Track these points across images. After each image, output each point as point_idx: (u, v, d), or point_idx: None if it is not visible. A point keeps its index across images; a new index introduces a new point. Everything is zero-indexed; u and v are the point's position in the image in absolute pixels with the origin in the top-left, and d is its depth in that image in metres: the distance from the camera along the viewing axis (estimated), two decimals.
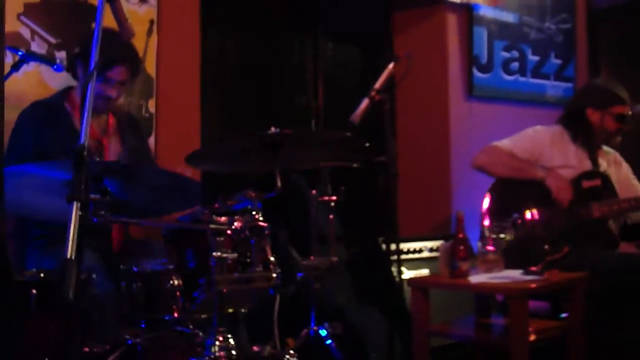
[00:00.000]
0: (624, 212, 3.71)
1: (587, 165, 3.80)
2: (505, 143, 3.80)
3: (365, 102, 3.08)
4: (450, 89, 4.72)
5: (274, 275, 2.56)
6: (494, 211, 3.71)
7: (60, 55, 3.42)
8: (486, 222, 3.65)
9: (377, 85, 3.10)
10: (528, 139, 3.82)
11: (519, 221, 3.48)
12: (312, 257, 3.18)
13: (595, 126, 3.79)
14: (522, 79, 5.09)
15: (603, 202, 3.65)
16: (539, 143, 3.80)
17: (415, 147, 4.83)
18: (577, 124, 3.82)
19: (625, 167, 4.00)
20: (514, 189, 3.71)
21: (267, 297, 3.01)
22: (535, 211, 3.49)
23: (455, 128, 4.71)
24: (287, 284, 3.19)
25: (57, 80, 3.33)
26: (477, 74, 4.80)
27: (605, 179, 3.74)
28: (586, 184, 3.69)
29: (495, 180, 3.81)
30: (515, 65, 5.03)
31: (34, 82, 3.34)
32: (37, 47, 3.36)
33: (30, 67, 3.27)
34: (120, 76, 3.09)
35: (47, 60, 3.10)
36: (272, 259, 2.57)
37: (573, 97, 4.04)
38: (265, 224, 2.55)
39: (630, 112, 3.81)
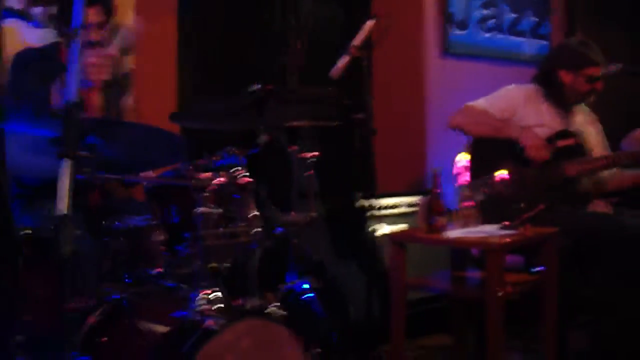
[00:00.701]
0: (597, 171, 3.79)
1: (561, 123, 3.87)
2: (480, 102, 3.85)
3: (344, 59, 3.11)
4: (426, 46, 4.77)
5: (257, 230, 2.62)
6: (470, 169, 3.79)
7: (37, 10, 3.41)
8: (462, 180, 3.74)
9: (356, 42, 3.13)
10: (502, 98, 3.88)
11: (495, 180, 3.56)
12: (292, 213, 3.23)
13: (567, 87, 3.84)
14: (499, 36, 5.14)
15: (576, 160, 3.73)
16: (514, 102, 3.86)
17: (392, 105, 4.85)
18: (549, 84, 3.89)
19: (599, 126, 4.08)
20: (490, 147, 3.77)
21: (248, 251, 3.07)
22: (508, 171, 3.58)
23: (431, 85, 4.76)
24: (267, 239, 3.26)
25: (36, 36, 3.32)
26: (453, 31, 4.84)
27: (579, 138, 3.82)
28: (560, 143, 3.76)
29: (471, 139, 3.87)
30: (491, 22, 5.08)
31: (13, 39, 3.32)
32: (14, 2, 3.34)
33: (7, 23, 3.25)
34: (95, 17, 3.07)
35: (24, 15, 3.09)
36: (254, 214, 2.62)
37: (546, 57, 4.08)
38: (249, 180, 2.60)
39: (600, 73, 3.86)
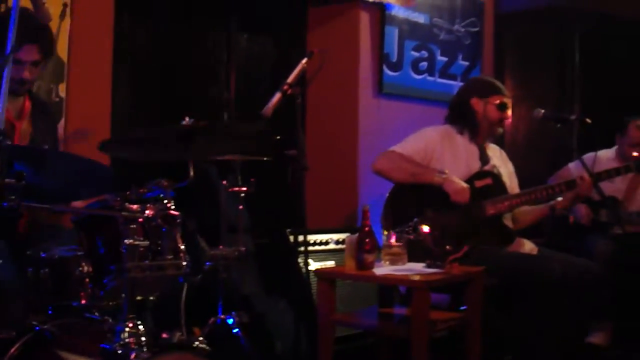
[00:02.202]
0: (515, 207, 3.90)
1: (477, 157, 3.99)
2: (401, 147, 3.92)
3: (277, 96, 3.12)
4: (361, 85, 4.83)
5: (184, 263, 2.61)
6: (395, 212, 3.83)
7: None
8: (386, 225, 3.78)
9: (290, 79, 3.15)
10: (421, 139, 3.97)
11: (418, 228, 3.63)
12: (220, 247, 3.23)
13: (480, 115, 3.98)
14: (431, 78, 5.25)
15: (495, 199, 3.83)
16: (431, 141, 3.96)
17: (325, 142, 4.91)
18: (462, 116, 4.01)
19: (511, 165, 4.20)
20: (413, 190, 3.84)
21: (175, 285, 3.04)
22: (429, 217, 3.67)
23: (364, 124, 4.82)
24: (195, 273, 3.24)
25: None
26: (387, 72, 4.93)
27: (496, 177, 3.93)
28: (478, 183, 3.87)
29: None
30: (424, 64, 5.19)
31: None
32: None
33: None
34: (31, 56, 3.05)
35: None
36: (182, 247, 2.61)
37: (457, 92, 4.22)
38: (176, 213, 2.59)
39: (509, 102, 4.01)
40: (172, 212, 2.58)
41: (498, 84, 4.07)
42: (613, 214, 4.62)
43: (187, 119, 2.64)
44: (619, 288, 4.10)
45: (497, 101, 3.97)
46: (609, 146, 5.21)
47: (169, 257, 2.56)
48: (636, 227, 4.78)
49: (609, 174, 3.94)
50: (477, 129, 4.00)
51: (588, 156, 4.55)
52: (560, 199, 3.94)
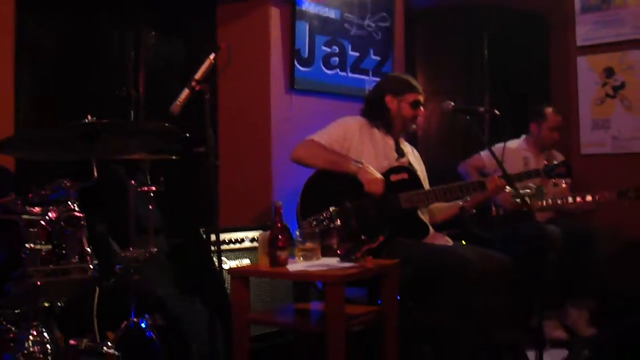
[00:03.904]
0: (429, 203, 3.94)
1: (393, 150, 4.03)
2: (320, 135, 3.94)
3: (185, 93, 3.08)
4: (272, 81, 4.78)
5: (91, 266, 2.53)
6: (311, 202, 3.82)
7: None
8: (302, 214, 3.77)
9: (198, 75, 3.11)
10: (339, 128, 4.00)
11: (334, 215, 3.62)
12: (131, 248, 3.16)
13: (394, 113, 4.03)
14: (342, 73, 5.24)
15: (410, 193, 3.85)
16: (350, 130, 3.99)
17: (237, 139, 4.87)
18: (377, 112, 4.05)
19: (422, 166, 4.26)
20: (330, 180, 3.84)
21: (86, 289, 2.96)
22: (346, 211, 3.67)
23: (277, 120, 4.78)
24: (106, 276, 3.16)
25: None
26: (298, 67, 4.90)
27: (411, 172, 3.97)
28: (394, 177, 3.90)
29: (313, 172, 3.93)
30: (335, 59, 5.18)
31: None
32: None
33: None
34: None
35: None
36: (88, 250, 2.54)
37: (373, 88, 4.26)
38: (81, 214, 2.51)
39: (422, 100, 4.07)
40: (76, 213, 2.50)
41: (412, 81, 4.10)
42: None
43: (89, 117, 2.55)
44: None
45: (411, 99, 4.01)
46: (516, 136, 5.34)
47: (75, 260, 2.48)
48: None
49: (520, 177, 3.99)
50: (391, 125, 4.05)
51: (497, 147, 4.64)
52: (468, 198, 3.99)
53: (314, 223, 3.46)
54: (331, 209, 3.66)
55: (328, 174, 3.85)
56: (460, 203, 4.03)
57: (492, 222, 4.88)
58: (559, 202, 4.83)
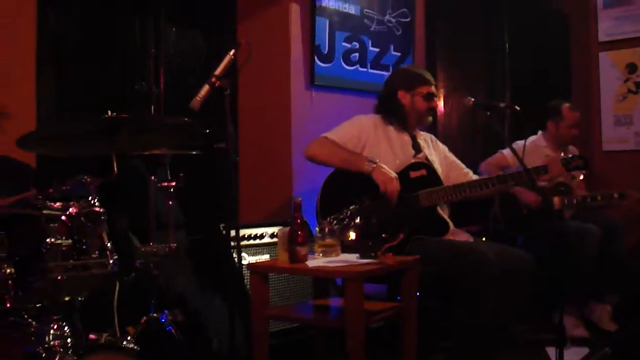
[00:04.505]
0: (448, 200, 3.90)
1: (409, 146, 3.99)
2: (334, 133, 3.91)
3: (205, 88, 3.07)
4: (292, 77, 4.77)
5: (111, 262, 2.54)
6: (330, 201, 3.80)
7: None
8: (322, 213, 3.74)
9: (218, 71, 3.09)
10: (354, 127, 3.97)
11: (355, 213, 3.60)
12: (151, 243, 3.16)
13: (407, 108, 4.00)
14: (362, 69, 5.22)
15: (429, 191, 3.82)
16: (365, 129, 3.96)
17: (257, 135, 4.87)
18: (391, 108, 4.02)
19: (442, 147, 4.22)
20: (349, 178, 3.80)
21: (107, 284, 2.97)
22: (365, 210, 3.65)
23: (297, 116, 4.77)
24: (127, 271, 3.17)
25: None
26: (318, 63, 4.88)
27: (430, 168, 3.92)
28: (413, 174, 3.87)
29: (332, 170, 3.90)
30: (355, 55, 5.16)
31: None
32: None
33: None
34: None
35: None
36: (108, 245, 2.54)
37: (384, 84, 4.21)
38: (101, 210, 2.52)
39: (436, 92, 4.05)
40: (97, 209, 2.50)
41: (424, 73, 4.07)
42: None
43: (109, 112, 2.56)
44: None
45: (424, 92, 3.98)
46: (535, 133, 5.28)
47: (95, 255, 2.49)
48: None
49: (538, 171, 3.91)
50: (405, 120, 4.01)
51: (518, 144, 4.60)
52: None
53: (334, 222, 3.45)
54: (351, 207, 3.63)
55: (347, 172, 3.83)
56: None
57: (522, 220, 4.86)
58: (588, 200, 4.77)
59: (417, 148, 4.03)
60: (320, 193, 3.85)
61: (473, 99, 3.78)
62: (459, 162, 4.19)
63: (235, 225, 3.18)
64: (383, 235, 3.33)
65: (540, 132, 5.25)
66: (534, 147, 5.02)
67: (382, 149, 3.92)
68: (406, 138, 4.01)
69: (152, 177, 3.26)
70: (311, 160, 3.93)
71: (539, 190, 4.55)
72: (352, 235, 3.40)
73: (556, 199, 4.69)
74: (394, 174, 3.75)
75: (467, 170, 4.15)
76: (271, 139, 4.83)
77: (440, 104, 5.95)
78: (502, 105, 3.95)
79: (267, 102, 4.86)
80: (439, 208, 3.87)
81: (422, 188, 3.82)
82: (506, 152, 5.05)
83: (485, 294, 3.43)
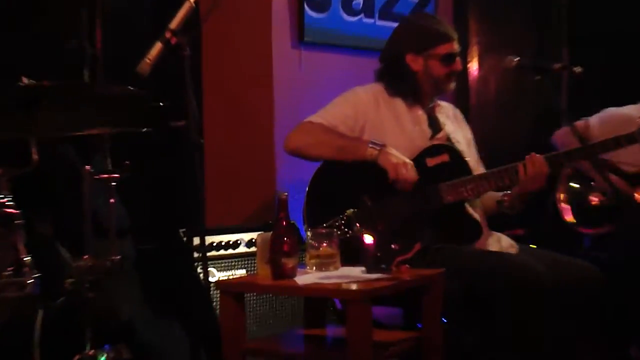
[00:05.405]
0: (482, 192, 3.86)
1: (425, 124, 3.96)
2: (321, 115, 3.87)
3: (157, 47, 3.08)
4: (275, 31, 4.78)
5: (30, 281, 2.53)
6: (320, 204, 3.78)
7: None
8: (309, 221, 3.73)
9: (174, 24, 3.10)
10: (348, 104, 3.93)
11: (353, 218, 3.59)
12: (85, 256, 3.15)
13: (420, 75, 3.94)
14: (368, 20, 5.22)
15: (454, 182, 3.79)
16: (363, 105, 3.91)
17: (228, 109, 4.90)
18: (398, 76, 3.98)
19: (468, 130, 4.21)
20: (346, 171, 3.79)
21: (25, 311, 2.96)
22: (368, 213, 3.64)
23: (282, 84, 4.78)
24: (52, 294, 3.16)
25: None
26: (310, 13, 4.88)
27: (454, 151, 3.87)
28: (431, 161, 3.82)
29: (321, 164, 3.87)
30: (358, 2, 5.16)
31: None
32: None
33: None
34: None
35: None
36: (26, 258, 2.54)
37: (387, 43, 4.15)
38: (16, 211, 2.51)
39: (458, 49, 3.97)
40: (9, 210, 2.50)
41: (439, 26, 3.99)
42: None
43: (24, 79, 2.54)
44: None
45: (442, 52, 3.92)
46: (607, 105, 5.24)
47: (7, 273, 2.48)
48: None
49: (605, 146, 3.88)
50: (419, 91, 3.97)
51: (610, 111, 4.59)
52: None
53: (327, 232, 3.43)
54: (348, 211, 3.61)
55: (340, 165, 3.80)
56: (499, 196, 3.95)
57: (592, 216, 4.83)
58: None
59: (435, 126, 3.99)
60: (309, 189, 3.82)
61: (517, 58, 3.76)
62: (477, 155, 4.15)
63: (200, 230, 3.19)
64: (392, 246, 3.31)
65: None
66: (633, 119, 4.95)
67: (388, 130, 3.87)
68: (420, 113, 3.97)
69: (87, 167, 3.24)
70: (294, 154, 3.89)
71: (618, 174, 4.53)
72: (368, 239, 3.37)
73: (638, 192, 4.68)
74: (407, 159, 3.73)
75: (482, 167, 4.11)
76: (247, 114, 4.84)
77: (474, 66, 5.93)
78: (557, 66, 3.92)
79: (240, 65, 4.87)
80: (467, 205, 3.85)
81: (445, 179, 3.80)
82: (593, 120, 4.94)
83: (533, 320, 3.42)
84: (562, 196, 4.97)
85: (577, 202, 4.95)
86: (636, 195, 4.62)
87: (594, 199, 4.84)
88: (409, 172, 3.71)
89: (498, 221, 4.02)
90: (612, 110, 4.60)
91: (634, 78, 5.25)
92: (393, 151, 3.74)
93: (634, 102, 5.13)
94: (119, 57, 4.40)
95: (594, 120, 4.82)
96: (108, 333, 3.30)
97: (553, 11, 6.24)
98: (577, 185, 4.92)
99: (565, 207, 4.93)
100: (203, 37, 4.82)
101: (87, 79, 4.28)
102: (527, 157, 3.77)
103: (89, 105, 2.98)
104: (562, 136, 4.96)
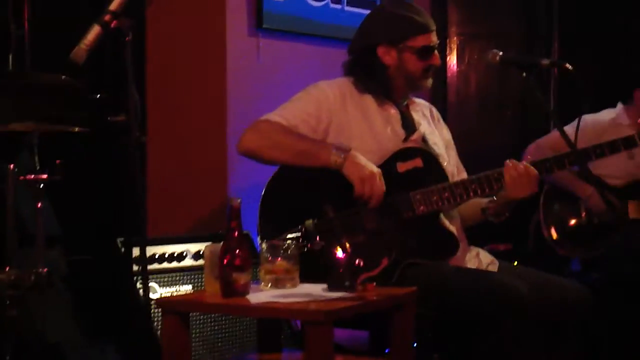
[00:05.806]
0: (459, 202, 3.88)
1: (398, 124, 3.96)
2: (280, 113, 3.84)
3: (94, 31, 3.07)
4: (229, 16, 4.79)
5: None
6: (278, 210, 3.78)
7: None
8: (263, 233, 3.73)
9: (113, 5, 3.09)
10: (310, 101, 3.90)
11: (312, 230, 3.59)
12: (7, 268, 3.14)
13: (393, 70, 3.94)
14: (336, 6, 5.26)
15: (427, 190, 3.80)
16: (327, 102, 3.88)
17: (175, 103, 4.90)
18: (368, 71, 3.97)
19: (446, 130, 4.23)
20: (306, 177, 3.78)
21: None
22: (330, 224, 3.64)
23: (236, 75, 4.79)
24: None
25: None
26: None
27: (428, 155, 3.88)
28: (402, 166, 3.83)
29: (278, 168, 3.87)
30: None
31: None
32: None
33: None
34: None
35: None
36: None
37: (357, 33, 4.15)
38: None
39: (437, 41, 3.97)
40: None
41: (415, 15, 3.96)
42: None
43: None
44: None
45: (418, 44, 3.92)
46: (605, 104, 5.30)
47: None
48: None
49: (600, 151, 3.93)
50: (391, 87, 3.97)
51: (587, 120, 4.63)
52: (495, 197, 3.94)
53: (284, 245, 3.42)
54: (307, 221, 3.61)
55: (300, 169, 3.79)
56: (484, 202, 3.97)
57: (582, 234, 4.89)
58: None
59: (409, 126, 3.98)
60: (264, 196, 3.81)
61: (501, 53, 3.78)
62: (457, 159, 4.17)
63: (140, 240, 3.19)
64: (357, 262, 3.31)
65: (621, 106, 5.27)
66: (612, 125, 5.03)
67: (355, 132, 3.86)
68: (392, 112, 3.97)
69: (11, 167, 3.24)
70: (248, 156, 3.86)
71: (607, 190, 4.58)
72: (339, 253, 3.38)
73: (631, 205, 4.72)
74: (375, 168, 3.73)
75: (463, 172, 4.13)
76: (196, 110, 4.85)
77: (453, 60, 5.96)
78: (545, 62, 3.94)
79: (190, 53, 4.88)
80: (443, 217, 3.87)
81: (418, 186, 3.80)
82: (568, 128, 5.01)
83: (514, 346, 3.43)
84: (542, 216, 5.05)
85: (557, 223, 5.01)
86: (629, 209, 4.68)
87: (573, 221, 4.92)
88: (375, 186, 3.70)
89: (478, 235, 4.04)
90: (587, 119, 4.65)
91: (626, 77, 5.33)
92: (360, 159, 3.72)
93: (624, 102, 5.23)
94: (50, 41, 4.41)
95: (568, 130, 4.89)
96: (32, 358, 3.28)
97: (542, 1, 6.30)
98: (556, 206, 4.99)
99: (545, 227, 5.01)
100: (147, 20, 4.82)
101: (11, 65, 4.27)
102: (509, 162, 3.80)
103: (14, 96, 2.96)
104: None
